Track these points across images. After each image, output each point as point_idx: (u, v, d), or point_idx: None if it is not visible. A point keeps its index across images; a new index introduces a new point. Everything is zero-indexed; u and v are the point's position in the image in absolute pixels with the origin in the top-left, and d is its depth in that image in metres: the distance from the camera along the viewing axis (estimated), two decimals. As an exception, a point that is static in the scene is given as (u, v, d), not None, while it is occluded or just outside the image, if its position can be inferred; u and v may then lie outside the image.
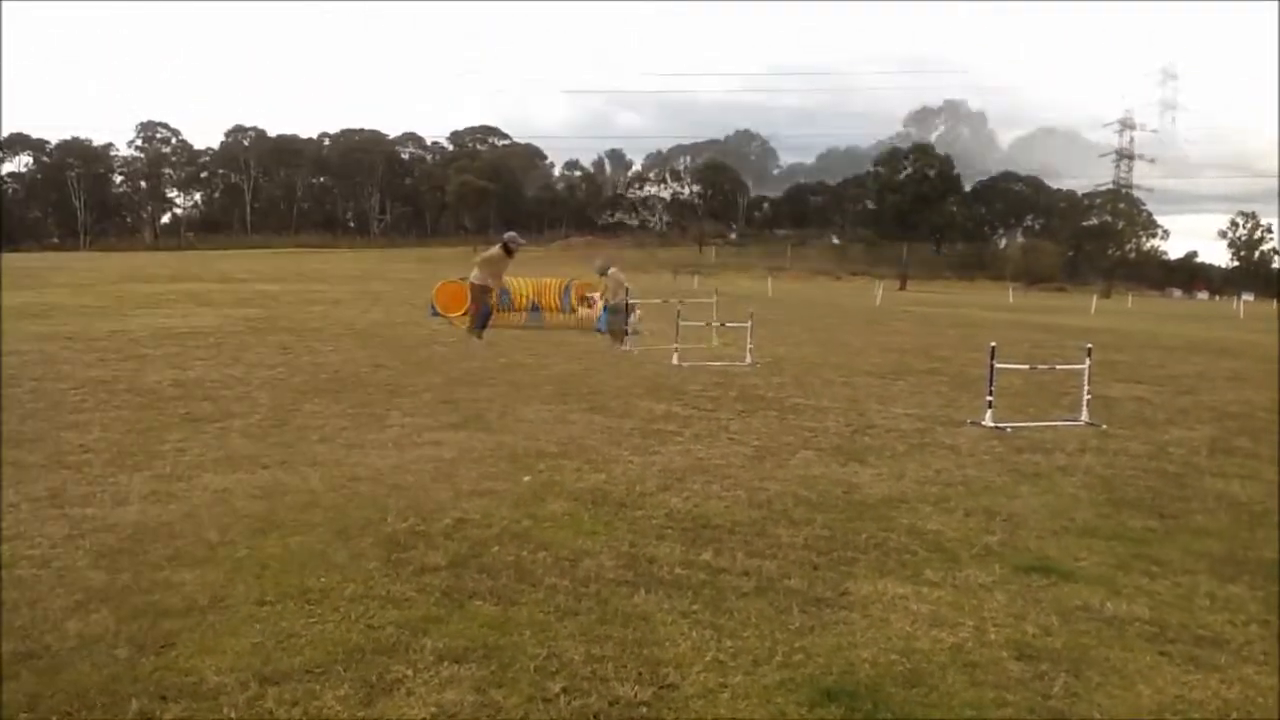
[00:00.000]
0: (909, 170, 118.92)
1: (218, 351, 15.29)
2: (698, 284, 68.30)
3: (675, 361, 17.32)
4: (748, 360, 17.90)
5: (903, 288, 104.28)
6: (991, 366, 12.13)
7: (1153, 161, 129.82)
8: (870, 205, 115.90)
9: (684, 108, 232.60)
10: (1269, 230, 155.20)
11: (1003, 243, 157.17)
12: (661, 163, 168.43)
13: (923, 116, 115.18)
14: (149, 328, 19.07)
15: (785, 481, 8.38)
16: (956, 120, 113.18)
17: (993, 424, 11.82)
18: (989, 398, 12.07)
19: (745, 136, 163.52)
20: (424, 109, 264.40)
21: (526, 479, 8.04)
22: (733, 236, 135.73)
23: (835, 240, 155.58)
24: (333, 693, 4.14)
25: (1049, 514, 7.66)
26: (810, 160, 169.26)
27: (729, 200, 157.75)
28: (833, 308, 45.84)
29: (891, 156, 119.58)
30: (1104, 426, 12.17)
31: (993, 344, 12.40)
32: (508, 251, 18.90)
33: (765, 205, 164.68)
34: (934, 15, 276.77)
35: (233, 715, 3.94)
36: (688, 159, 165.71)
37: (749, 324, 18.66)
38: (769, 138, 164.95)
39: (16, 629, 4.59)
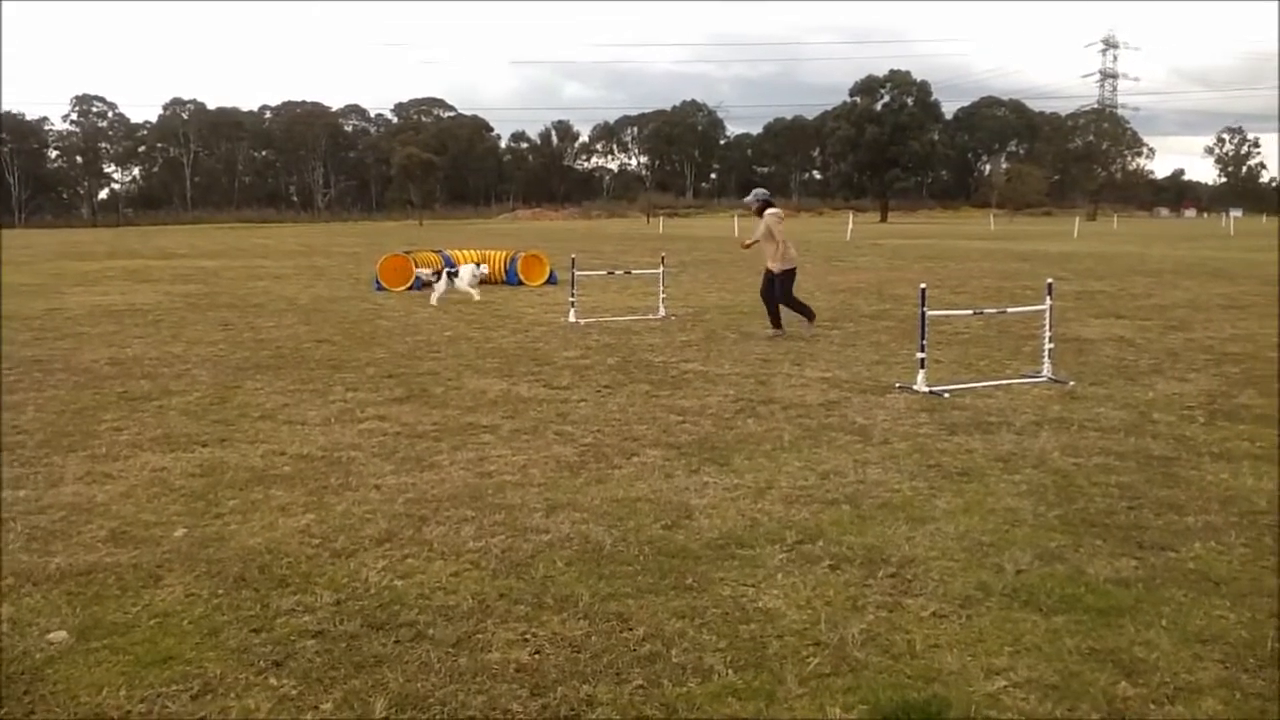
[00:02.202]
0: (886, 100, 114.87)
1: (156, 329, 14.34)
2: (662, 227, 65.56)
3: (571, 319, 14.64)
4: (661, 313, 15.20)
5: (883, 219, 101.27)
6: (923, 315, 9.36)
7: (1137, 79, 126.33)
8: (847, 134, 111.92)
9: (631, 78, 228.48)
10: (1256, 145, 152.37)
11: (987, 169, 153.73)
12: (609, 133, 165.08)
13: (868, 86, 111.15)
14: (86, 305, 17.83)
15: (587, 512, 5.65)
16: (901, 91, 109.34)
17: (927, 388, 9.11)
18: (920, 355, 9.32)
19: (692, 107, 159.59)
20: (368, 80, 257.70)
21: (180, 533, 5.32)
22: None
23: (818, 175, 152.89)
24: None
25: (966, 555, 4.94)
26: (757, 130, 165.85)
27: (677, 170, 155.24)
28: (797, 245, 42.89)
29: (868, 86, 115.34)
30: (1071, 384, 9.46)
31: (922, 285, 9.61)
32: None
33: (713, 175, 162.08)
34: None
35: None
36: (635, 130, 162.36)
37: (660, 270, 15.90)
38: (715, 108, 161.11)
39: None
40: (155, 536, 5.28)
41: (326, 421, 8.06)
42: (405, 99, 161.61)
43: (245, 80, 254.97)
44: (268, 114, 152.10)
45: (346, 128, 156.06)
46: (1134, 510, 5.64)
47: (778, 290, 13.34)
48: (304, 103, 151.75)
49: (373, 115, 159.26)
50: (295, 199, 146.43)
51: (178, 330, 14.14)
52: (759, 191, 14.58)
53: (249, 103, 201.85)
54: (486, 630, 4.11)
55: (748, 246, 14.58)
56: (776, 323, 13.30)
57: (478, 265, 18.96)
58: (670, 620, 4.19)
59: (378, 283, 20.81)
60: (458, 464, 6.73)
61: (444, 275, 17.90)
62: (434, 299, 17.36)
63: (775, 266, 13.32)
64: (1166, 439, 7.33)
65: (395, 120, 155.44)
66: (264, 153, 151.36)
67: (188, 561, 4.88)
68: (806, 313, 13.38)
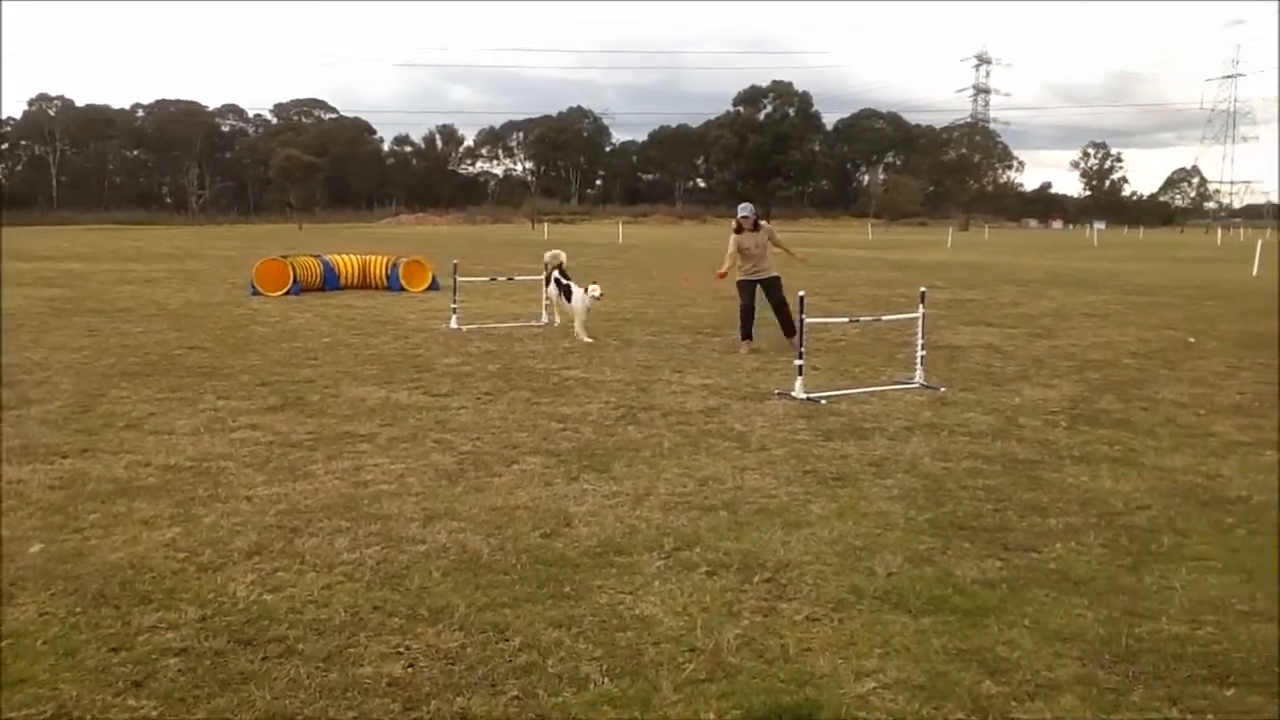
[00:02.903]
0: (769, 110, 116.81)
1: (15, 335, 13.54)
2: (547, 233, 65.39)
3: (454, 325, 14.49)
4: (544, 319, 15.15)
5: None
6: (801, 322, 9.52)
7: (1008, 95, 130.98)
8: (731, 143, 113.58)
9: (517, 83, 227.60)
10: (1119, 160, 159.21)
11: (865, 180, 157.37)
12: (494, 138, 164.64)
13: (752, 96, 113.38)
14: None
15: (465, 521, 5.59)
16: (784, 101, 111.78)
17: (804, 395, 9.26)
18: (799, 362, 9.47)
19: (578, 113, 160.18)
20: (246, 80, 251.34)
21: (36, 549, 5.09)
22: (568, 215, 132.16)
23: (701, 184, 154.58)
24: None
25: (839, 559, 5.03)
26: (643, 138, 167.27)
27: (562, 177, 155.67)
28: (682, 252, 43.32)
29: (751, 96, 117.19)
30: (943, 390, 9.73)
31: (801, 293, 9.77)
32: (738, 229, 13.24)
33: (598, 182, 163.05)
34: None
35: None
36: (520, 135, 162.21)
37: (543, 275, 15.84)
38: (602, 114, 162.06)
39: None
40: (9, 553, 5.04)
41: (196, 431, 7.81)
42: (285, 99, 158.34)
43: (117, 77, 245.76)
44: (140, 112, 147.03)
45: (224, 128, 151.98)
46: (1000, 513, 5.82)
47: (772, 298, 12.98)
48: (179, 101, 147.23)
49: (251, 115, 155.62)
50: (169, 200, 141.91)
51: (39, 335, 13.53)
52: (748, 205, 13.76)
53: (120, 100, 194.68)
54: (359, 644, 4.03)
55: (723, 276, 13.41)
56: (789, 331, 12.54)
57: (588, 290, 13.49)
58: (547, 629, 4.17)
59: (254, 287, 20.30)
60: (333, 473, 6.59)
61: (555, 283, 14.02)
62: (578, 327, 13.29)
63: (761, 275, 13.01)
64: (1031, 443, 7.58)
65: (275, 121, 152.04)
66: (136, 152, 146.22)
67: (44, 578, 4.67)
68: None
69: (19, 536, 5.30)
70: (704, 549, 5.15)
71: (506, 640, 4.07)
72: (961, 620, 4.29)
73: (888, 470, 6.76)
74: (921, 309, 10.32)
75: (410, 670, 3.81)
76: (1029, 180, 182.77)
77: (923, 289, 10.83)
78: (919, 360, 10.17)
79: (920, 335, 10.25)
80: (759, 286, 12.98)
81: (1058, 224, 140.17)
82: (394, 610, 4.35)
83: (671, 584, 4.68)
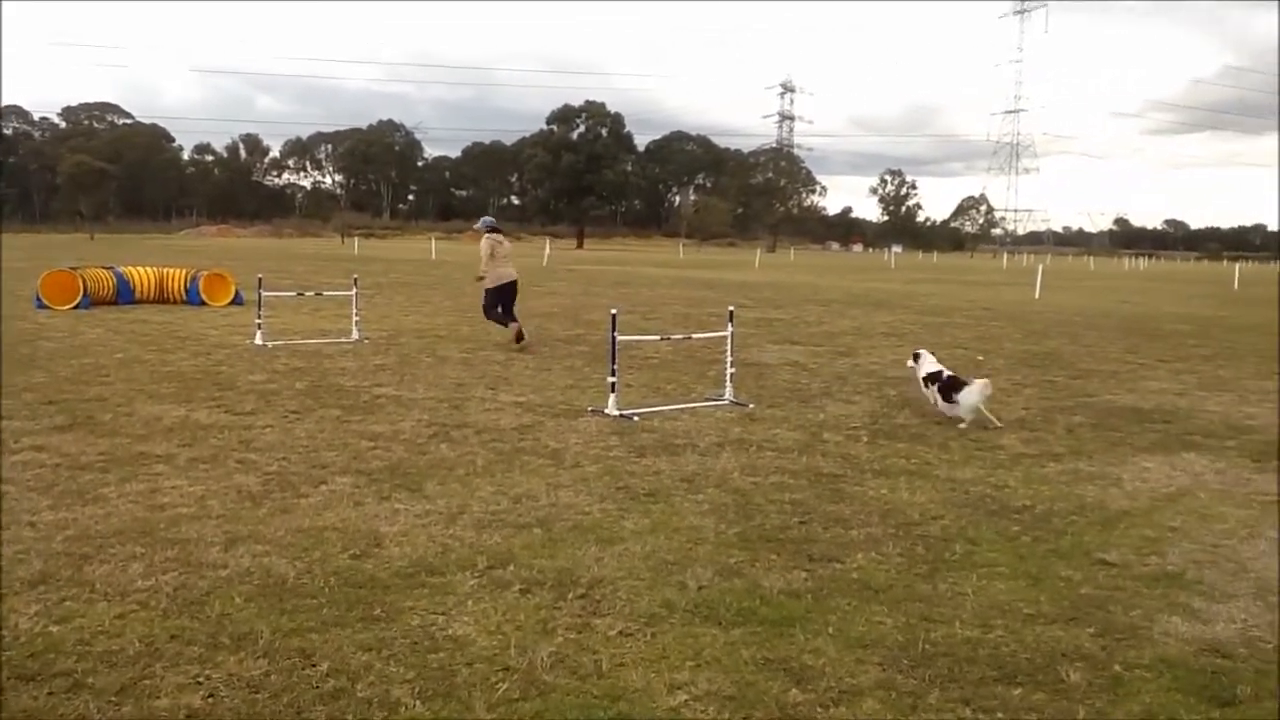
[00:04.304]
0: (582, 129, 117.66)
1: None
2: (357, 248, 64.05)
3: (258, 341, 14.00)
4: (354, 336, 14.81)
5: (579, 246, 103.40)
6: (613, 340, 9.62)
7: (811, 122, 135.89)
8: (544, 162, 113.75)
9: (326, 94, 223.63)
10: (914, 187, 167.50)
11: (676, 200, 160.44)
12: (301, 150, 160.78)
13: (565, 115, 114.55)
14: None
15: (270, 544, 5.39)
16: (597, 121, 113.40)
17: (617, 412, 9.35)
18: (611, 379, 9.56)
19: (389, 126, 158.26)
20: (31, 80, 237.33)
21: None
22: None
23: (515, 200, 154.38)
24: None
25: (652, 574, 5.09)
26: (456, 154, 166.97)
27: (373, 190, 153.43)
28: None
29: (565, 115, 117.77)
30: (751, 406, 9.99)
31: (614, 311, 9.88)
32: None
33: (410, 197, 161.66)
34: (572, 18, 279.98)
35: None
36: (329, 147, 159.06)
37: (353, 292, 15.51)
38: (414, 128, 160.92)
39: None
40: None
41: (-28, 453, 7.29)
42: (75, 103, 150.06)
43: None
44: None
45: (5, 130, 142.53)
46: (805, 525, 6.02)
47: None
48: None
49: (37, 119, 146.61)
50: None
51: None
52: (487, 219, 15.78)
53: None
54: (155, 675, 3.84)
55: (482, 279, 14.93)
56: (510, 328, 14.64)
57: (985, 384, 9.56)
58: (356, 653, 4.07)
59: (39, 300, 19.11)
60: (126, 497, 6.26)
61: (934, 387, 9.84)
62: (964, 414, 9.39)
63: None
64: (835, 457, 7.87)
65: (63, 125, 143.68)
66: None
67: None
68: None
69: None
70: (518, 567, 5.13)
71: (314, 666, 3.95)
72: (769, 630, 4.41)
73: (699, 485, 6.89)
74: (730, 327, 10.59)
75: (210, 701, 3.66)
76: (831, 204, 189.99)
77: (731, 308, 11.12)
78: (728, 377, 10.42)
79: (730, 353, 10.50)
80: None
81: (858, 247, 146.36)
82: (193, 639, 4.17)
83: (485, 603, 4.64)
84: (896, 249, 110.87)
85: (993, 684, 3.95)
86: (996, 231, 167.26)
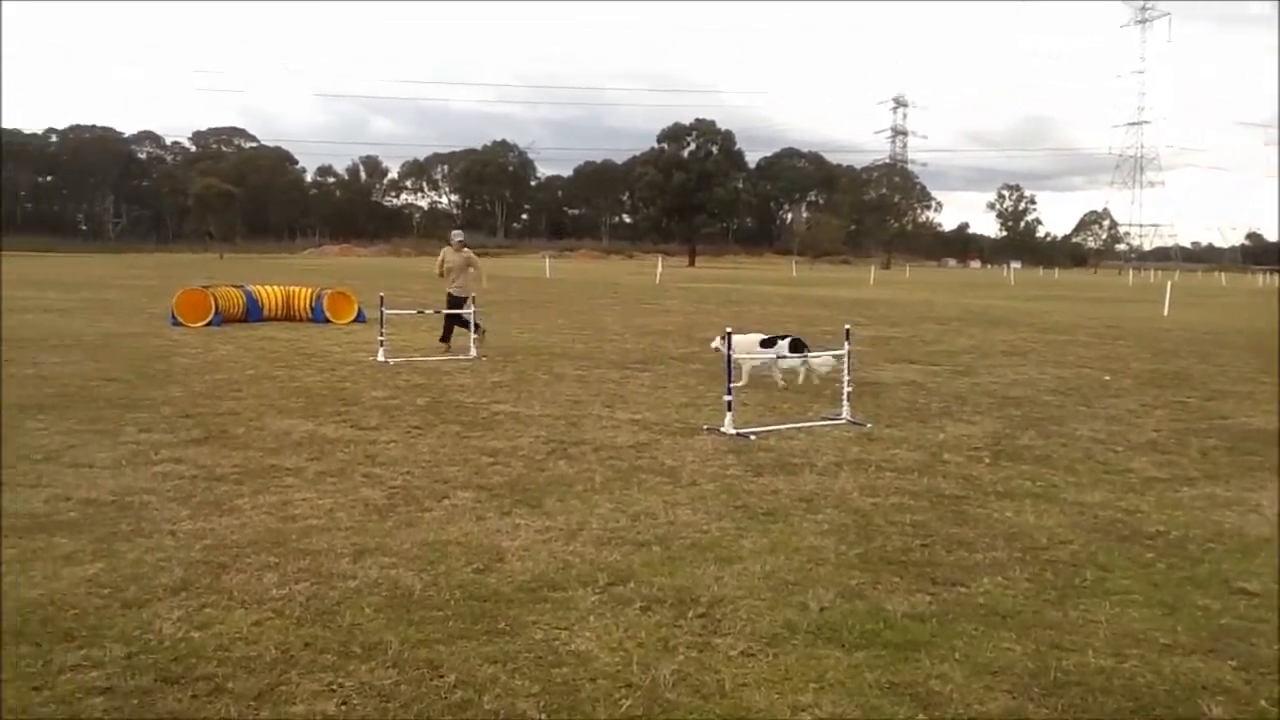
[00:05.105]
0: (692, 147, 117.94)
1: None
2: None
3: (380, 358, 14.36)
4: (472, 353, 15.08)
5: (691, 264, 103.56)
6: (729, 358, 9.61)
7: (925, 137, 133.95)
8: (656, 180, 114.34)
9: (440, 116, 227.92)
10: (1033, 202, 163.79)
11: (788, 217, 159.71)
12: (419, 171, 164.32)
13: (676, 133, 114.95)
14: None
15: (396, 556, 5.53)
16: (707, 139, 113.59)
17: (734, 430, 9.33)
18: (728, 398, 9.55)
19: (503, 147, 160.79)
20: (163, 107, 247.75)
21: (-51, 586, 4.93)
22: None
23: (627, 219, 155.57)
24: None
25: (772, 594, 5.07)
26: (568, 173, 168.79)
27: (488, 210, 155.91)
28: (608, 287, 43.43)
29: (675, 134, 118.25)
30: (869, 426, 9.87)
31: (729, 330, 9.87)
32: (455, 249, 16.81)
33: (524, 216, 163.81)
34: (682, 37, 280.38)
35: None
36: (445, 168, 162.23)
37: (471, 310, 15.81)
38: (527, 148, 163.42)
39: None
40: (-81, 590, 4.88)
41: (117, 464, 7.63)
42: (204, 127, 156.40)
43: (28, 102, 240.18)
44: (53, 137, 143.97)
45: (140, 155, 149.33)
46: (928, 547, 5.92)
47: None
48: (94, 127, 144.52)
49: (169, 143, 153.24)
50: (84, 228, 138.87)
51: (-53, 365, 13.14)
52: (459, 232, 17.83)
53: (31, 124, 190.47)
54: (290, 681, 3.96)
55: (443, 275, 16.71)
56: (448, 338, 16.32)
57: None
58: (482, 666, 4.14)
59: (174, 318, 19.92)
60: (260, 508, 6.49)
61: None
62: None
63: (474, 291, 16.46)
64: (956, 479, 7.72)
65: (193, 149, 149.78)
66: (48, 178, 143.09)
67: (-43, 618, 4.52)
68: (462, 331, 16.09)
69: (-70, 573, 5.12)
70: (638, 584, 5.15)
71: (441, 677, 4.03)
72: (893, 654, 4.35)
73: (817, 505, 6.83)
74: (847, 345, 10.48)
75: (344, 708, 3.76)
76: (947, 220, 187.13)
77: (848, 326, 11.00)
78: (845, 396, 10.31)
79: (847, 372, 10.40)
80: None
81: (975, 263, 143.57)
82: (325, 647, 4.29)
83: (606, 619, 4.68)
84: (1016, 265, 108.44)
85: (1129, 716, 3.83)
86: (1120, 247, 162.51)
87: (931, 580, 5.32)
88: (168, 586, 4.97)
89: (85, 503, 6.52)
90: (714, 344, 12.13)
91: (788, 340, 12.32)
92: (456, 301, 16.32)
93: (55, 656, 4.12)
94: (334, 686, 3.93)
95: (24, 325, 19.20)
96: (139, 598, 4.81)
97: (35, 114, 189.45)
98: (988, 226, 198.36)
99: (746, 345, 12.17)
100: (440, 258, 16.95)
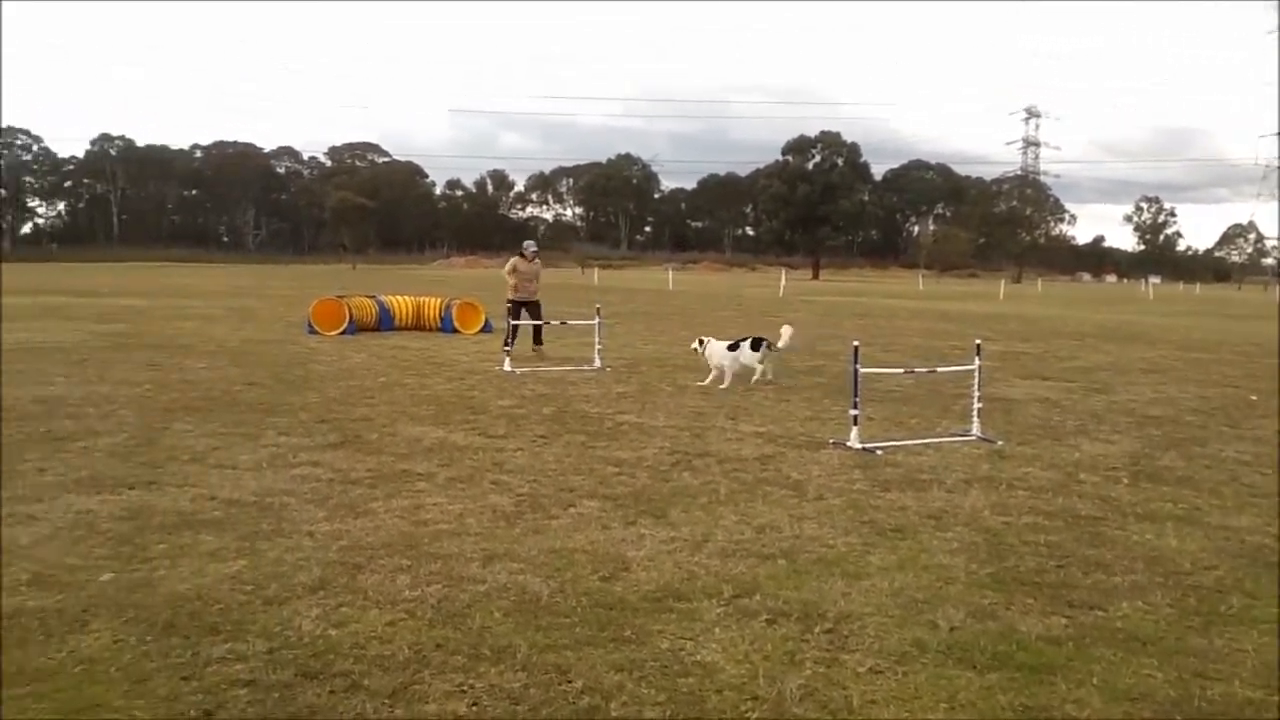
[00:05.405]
0: (817, 159, 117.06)
1: (81, 368, 14.01)
2: (596, 278, 65.79)
3: (507, 368, 14.60)
4: (596, 363, 15.21)
5: (815, 277, 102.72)
6: (855, 372, 9.50)
7: (1058, 148, 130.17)
8: (780, 193, 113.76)
9: (565, 130, 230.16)
10: (1172, 214, 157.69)
11: (915, 230, 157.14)
12: (543, 184, 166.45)
13: (800, 145, 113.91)
14: (6, 342, 17.25)
15: (524, 562, 5.61)
16: (832, 151, 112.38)
17: (859, 445, 9.21)
18: (853, 413, 9.44)
19: (627, 160, 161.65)
20: (301, 123, 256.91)
21: (106, 577, 5.19)
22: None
23: (750, 231, 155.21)
24: None
25: (901, 611, 4.99)
26: (691, 186, 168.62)
27: (611, 222, 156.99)
28: (731, 299, 43.37)
29: (800, 146, 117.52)
30: (1000, 443, 9.64)
31: (855, 343, 9.76)
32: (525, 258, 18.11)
33: (647, 229, 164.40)
34: (805, 48, 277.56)
35: None
36: (569, 181, 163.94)
37: (596, 321, 15.95)
38: (650, 161, 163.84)
39: None
40: (80, 580, 5.15)
41: (258, 466, 7.93)
42: (339, 143, 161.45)
43: (175, 119, 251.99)
44: (198, 153, 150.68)
45: (279, 169, 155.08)
46: (1063, 569, 5.75)
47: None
48: (236, 143, 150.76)
49: (306, 158, 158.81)
50: (226, 240, 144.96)
51: (103, 370, 13.83)
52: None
53: (179, 141, 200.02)
54: (423, 681, 4.05)
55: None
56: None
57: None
58: (609, 673, 4.17)
59: (310, 326, 20.61)
60: (392, 511, 6.66)
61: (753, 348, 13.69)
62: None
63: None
64: (1093, 499, 7.48)
65: (329, 164, 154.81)
66: (193, 192, 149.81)
67: (115, 607, 4.76)
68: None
69: (89, 565, 5.41)
70: (763, 597, 5.13)
71: (569, 682, 4.08)
72: (1027, 677, 4.23)
73: (947, 523, 6.70)
74: (978, 360, 10.26)
75: (475, 709, 3.83)
76: (1081, 233, 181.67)
77: (978, 340, 10.77)
78: (975, 412, 10.09)
79: (977, 387, 10.18)
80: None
81: (1111, 278, 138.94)
82: (456, 649, 4.38)
83: (732, 631, 4.67)
84: (1154, 280, 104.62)
85: (1281, 750, 3.66)
86: (1268, 261, 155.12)
87: (1068, 603, 5.17)
88: (306, 585, 5.14)
89: (229, 502, 6.78)
90: (693, 345, 14.26)
91: (749, 341, 13.81)
92: (528, 307, 17.41)
93: (202, 649, 4.30)
94: (465, 687, 4.01)
95: (176, 333, 20.10)
96: (279, 595, 4.98)
97: (181, 131, 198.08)
98: (1124, 240, 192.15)
99: (719, 350, 13.67)
100: (510, 265, 17.92)
